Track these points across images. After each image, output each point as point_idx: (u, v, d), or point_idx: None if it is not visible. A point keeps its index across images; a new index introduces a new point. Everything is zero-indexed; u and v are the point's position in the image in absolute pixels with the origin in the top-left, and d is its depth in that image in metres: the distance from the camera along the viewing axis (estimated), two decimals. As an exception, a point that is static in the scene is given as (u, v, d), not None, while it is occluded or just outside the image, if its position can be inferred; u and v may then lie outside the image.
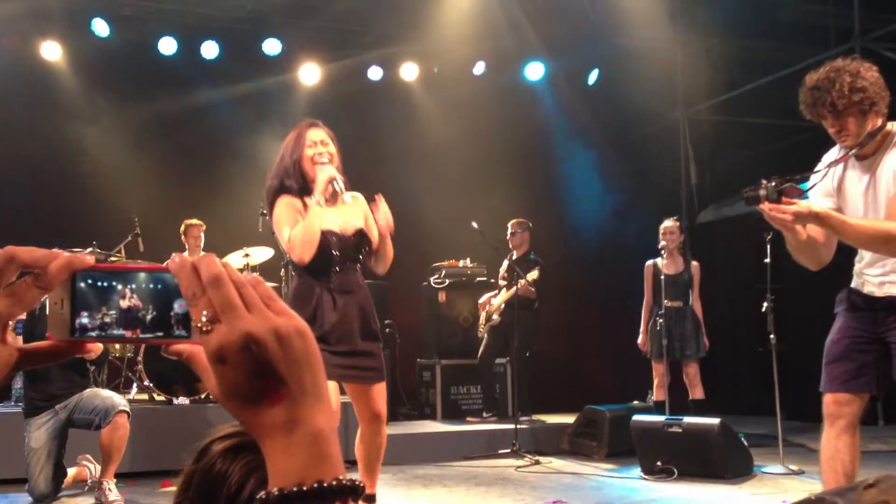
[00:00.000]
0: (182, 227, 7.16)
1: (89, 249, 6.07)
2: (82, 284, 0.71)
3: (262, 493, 0.63)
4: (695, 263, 6.71)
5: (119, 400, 4.87)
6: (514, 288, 7.13)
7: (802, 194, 3.01)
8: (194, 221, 7.15)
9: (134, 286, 0.71)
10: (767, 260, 5.65)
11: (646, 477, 5.51)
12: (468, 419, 7.39)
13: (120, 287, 0.71)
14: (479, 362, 7.54)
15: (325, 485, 0.63)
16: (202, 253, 6.95)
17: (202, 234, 7.16)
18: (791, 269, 7.92)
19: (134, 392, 6.70)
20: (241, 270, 5.61)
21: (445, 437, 6.77)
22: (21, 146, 7.66)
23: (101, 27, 7.91)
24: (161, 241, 7.09)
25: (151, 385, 6.36)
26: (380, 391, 3.81)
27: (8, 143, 7.59)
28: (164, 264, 0.70)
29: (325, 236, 3.59)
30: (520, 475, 5.77)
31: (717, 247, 9.22)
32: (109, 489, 4.67)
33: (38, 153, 7.77)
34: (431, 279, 7.93)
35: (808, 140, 8.95)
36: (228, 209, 7.84)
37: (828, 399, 3.14)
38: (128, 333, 0.72)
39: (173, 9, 8.19)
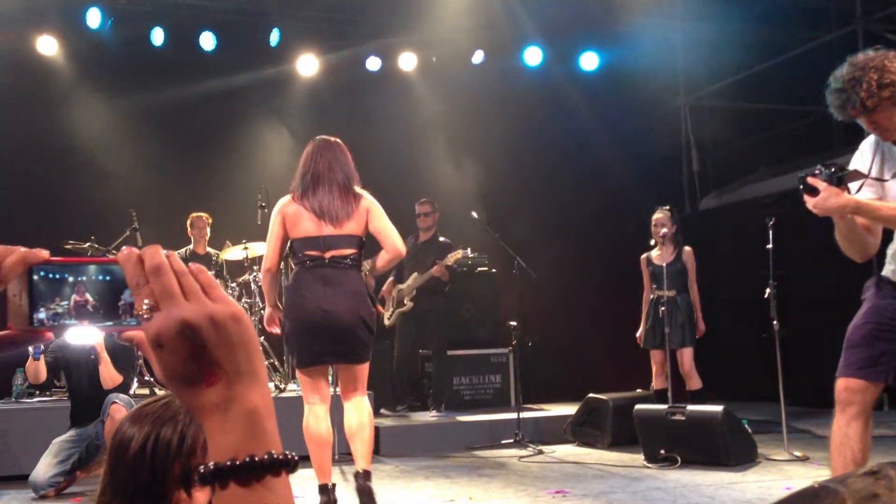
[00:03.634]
0: (188, 220, 7.29)
1: (87, 244, 6.05)
2: (35, 278, 0.76)
3: (200, 467, 0.67)
4: (687, 249, 6.62)
5: (118, 394, 4.88)
6: (431, 271, 6.94)
7: (863, 179, 2.99)
8: (200, 214, 7.29)
9: (83, 278, 0.77)
10: (769, 246, 5.60)
11: (649, 465, 5.48)
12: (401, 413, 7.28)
13: (74, 279, 0.77)
14: (399, 358, 7.25)
15: (256, 459, 0.67)
16: (208, 248, 7.03)
17: (207, 227, 7.28)
18: (793, 255, 7.86)
19: (135, 387, 6.68)
20: (243, 263, 5.69)
21: (448, 428, 6.75)
22: (18, 141, 7.62)
23: (96, 20, 7.87)
24: (159, 235, 7.07)
25: (152, 379, 6.34)
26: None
27: (4, 139, 7.55)
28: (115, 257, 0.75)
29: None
30: (523, 465, 5.75)
31: (720, 233, 9.17)
32: None
33: (35, 148, 7.73)
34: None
35: (811, 124, 8.94)
36: (227, 202, 7.81)
37: (840, 384, 3.08)
38: (83, 322, 0.77)
39: (169, 0, 8.15)
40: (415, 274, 7.11)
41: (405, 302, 7.13)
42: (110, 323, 0.76)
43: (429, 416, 7.06)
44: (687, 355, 6.49)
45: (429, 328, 7.23)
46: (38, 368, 4.92)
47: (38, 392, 6.30)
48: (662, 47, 9.25)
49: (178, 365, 0.68)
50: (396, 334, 7.32)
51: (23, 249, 0.76)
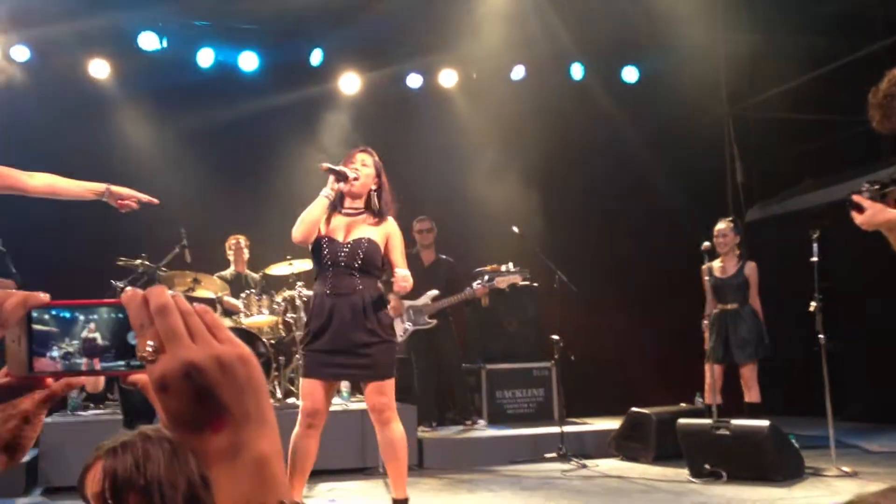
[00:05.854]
0: (226, 243, 7.49)
1: (138, 261, 6.22)
2: (46, 317, 0.73)
3: None
4: (751, 264, 6.57)
5: None
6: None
7: None
8: (237, 236, 7.50)
9: (94, 317, 0.73)
10: (814, 259, 5.53)
11: (694, 480, 5.43)
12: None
13: (81, 319, 0.73)
14: (420, 375, 7.19)
15: None
16: (247, 269, 7.18)
17: (245, 249, 7.45)
18: (841, 267, 7.69)
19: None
20: (288, 278, 5.90)
21: (491, 442, 6.77)
22: (70, 163, 7.79)
23: (146, 43, 8.12)
24: (207, 252, 7.24)
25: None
26: (376, 387, 3.94)
27: (58, 160, 7.70)
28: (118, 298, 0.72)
29: (321, 242, 4.17)
30: (566, 479, 5.74)
31: (766, 245, 9.04)
32: None
33: (86, 169, 7.93)
34: (474, 284, 7.92)
35: (857, 135, 8.78)
36: (272, 218, 7.94)
37: None
38: (89, 364, 0.73)
39: (215, 22, 8.36)
40: (434, 292, 6.96)
41: (427, 320, 7.02)
42: (121, 363, 0.73)
43: (475, 430, 7.08)
44: (749, 368, 6.42)
45: (440, 346, 7.20)
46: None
47: (92, 405, 6.48)
48: (704, 58, 9.19)
49: (183, 409, 0.65)
50: (411, 352, 7.25)
51: (22, 293, 0.73)
